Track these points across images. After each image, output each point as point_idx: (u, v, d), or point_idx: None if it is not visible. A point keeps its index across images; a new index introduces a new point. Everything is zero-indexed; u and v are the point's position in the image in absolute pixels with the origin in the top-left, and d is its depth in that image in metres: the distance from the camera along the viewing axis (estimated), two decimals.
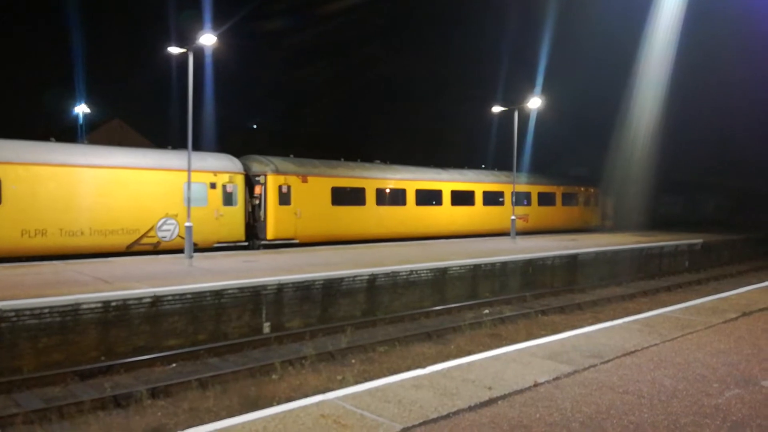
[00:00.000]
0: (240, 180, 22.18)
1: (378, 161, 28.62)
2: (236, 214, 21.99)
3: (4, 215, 17.14)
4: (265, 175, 22.83)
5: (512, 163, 28.69)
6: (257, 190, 22.99)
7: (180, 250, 19.30)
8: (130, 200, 19.21)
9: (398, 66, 67.65)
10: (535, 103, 28.55)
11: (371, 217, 26.14)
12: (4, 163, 17.24)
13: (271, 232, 22.72)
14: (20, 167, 17.50)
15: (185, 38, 18.23)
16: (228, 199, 21.77)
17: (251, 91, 73.43)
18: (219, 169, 21.68)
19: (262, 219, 22.78)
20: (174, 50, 18.11)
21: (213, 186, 21.33)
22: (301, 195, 23.55)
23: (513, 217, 27.86)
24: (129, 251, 19.10)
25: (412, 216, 27.81)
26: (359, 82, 67.48)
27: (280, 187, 22.97)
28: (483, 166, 35.60)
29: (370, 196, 26.20)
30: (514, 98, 29.64)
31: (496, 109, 29.46)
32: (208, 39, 17.64)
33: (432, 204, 28.80)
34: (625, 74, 38.06)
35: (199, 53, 18.70)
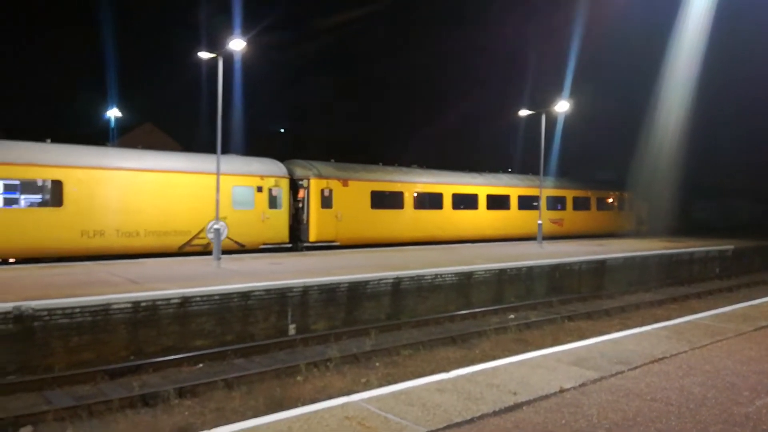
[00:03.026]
0: (285, 184, 22.84)
1: (415, 165, 28.92)
2: (281, 217, 22.62)
3: (65, 217, 17.96)
4: (308, 179, 23.44)
5: (539, 166, 28.49)
6: (300, 193, 23.60)
7: (228, 252, 20.11)
8: (181, 203, 19.88)
9: (424, 70, 67.71)
10: (562, 106, 28.29)
11: (409, 220, 26.58)
12: (65, 167, 18.10)
13: (313, 235, 23.29)
14: (80, 171, 18.30)
15: (215, 43, 18.50)
16: (273, 202, 22.42)
17: (276, 95, 74.08)
18: (265, 173, 22.36)
19: (305, 221, 23.39)
20: (204, 55, 18.36)
21: (260, 189, 22.01)
22: (342, 199, 24.08)
23: (540, 222, 27.67)
24: (181, 252, 19.76)
25: (448, 219, 28.13)
26: (382, 86, 67.64)
27: (322, 191, 23.57)
28: (510, 169, 35.44)
29: (408, 200, 26.65)
30: (541, 102, 29.42)
31: (523, 112, 29.27)
32: (237, 44, 17.85)
33: (468, 208, 29.05)
34: (652, 76, 37.62)
35: (228, 58, 18.95)
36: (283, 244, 22.60)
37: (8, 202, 18.64)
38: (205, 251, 20.02)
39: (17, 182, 18.35)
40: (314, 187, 23.45)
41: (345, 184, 24.32)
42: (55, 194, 18.13)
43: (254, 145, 39.89)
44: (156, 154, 20.93)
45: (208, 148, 22.35)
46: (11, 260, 17.43)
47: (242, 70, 39.22)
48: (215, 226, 17.94)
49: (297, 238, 23.35)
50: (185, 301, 12.13)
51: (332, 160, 25.59)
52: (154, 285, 12.89)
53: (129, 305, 11.47)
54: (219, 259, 17.64)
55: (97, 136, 39.70)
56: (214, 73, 18.25)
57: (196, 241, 20.10)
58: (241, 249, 21.30)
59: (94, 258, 18.17)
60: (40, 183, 18.52)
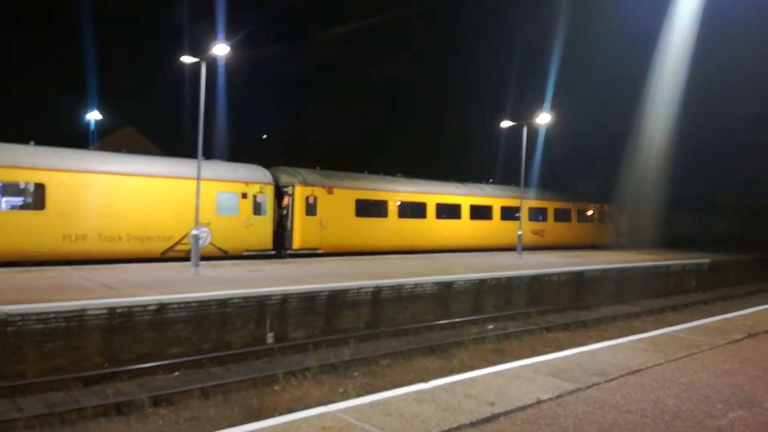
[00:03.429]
0: (270, 190, 22.84)
1: (400, 174, 29.08)
2: (265, 224, 22.62)
3: (47, 220, 17.80)
4: (293, 186, 23.50)
5: (520, 178, 28.73)
6: (285, 200, 23.63)
7: (211, 258, 20.17)
8: (165, 208, 19.84)
9: (407, 80, 67.90)
10: (543, 118, 28.56)
11: (393, 229, 26.75)
12: (48, 169, 17.96)
13: (297, 242, 23.31)
14: (63, 174, 18.20)
15: (198, 48, 18.43)
16: (258, 208, 22.46)
17: (260, 101, 73.86)
18: (250, 180, 22.35)
19: (289, 228, 23.39)
20: (187, 60, 18.28)
21: (244, 196, 22.01)
22: (327, 206, 24.16)
23: (519, 232, 27.87)
24: (163, 257, 19.67)
25: (432, 229, 28.37)
26: (368, 95, 67.76)
27: (307, 198, 23.64)
28: (491, 180, 35.71)
29: (392, 209, 26.85)
30: (523, 113, 29.70)
31: (505, 124, 29.50)
32: (220, 49, 17.79)
33: (452, 217, 29.30)
34: (636, 89, 38.10)
35: (211, 63, 18.88)
36: (266, 251, 22.56)
37: None
38: (189, 257, 19.75)
39: None
40: (299, 194, 23.47)
41: (330, 192, 24.38)
42: (37, 197, 17.99)
43: (239, 152, 39.73)
44: (140, 159, 20.87)
45: (191, 153, 22.29)
46: None
47: (226, 76, 39.06)
48: (193, 232, 17.80)
49: (281, 245, 23.33)
50: (162, 307, 12.00)
51: (317, 168, 25.62)
52: (130, 291, 12.74)
53: (104, 311, 11.31)
54: (197, 265, 17.49)
55: (77, 138, 39.34)
56: (198, 78, 18.18)
57: (179, 247, 19.97)
58: (224, 255, 21.22)
59: (76, 262, 17.99)
60: (22, 185, 18.32)
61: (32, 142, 18.64)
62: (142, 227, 19.42)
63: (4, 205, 18.46)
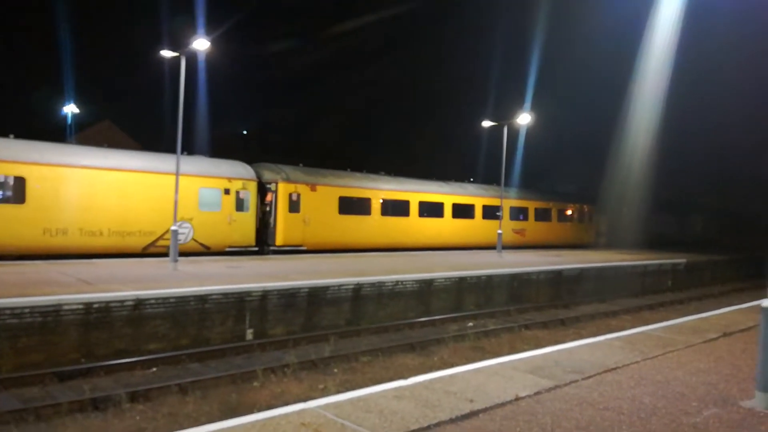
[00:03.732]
0: (253, 187, 22.80)
1: (383, 172, 29.15)
2: (248, 220, 22.57)
3: (27, 213, 17.65)
4: (276, 183, 23.48)
5: (501, 177, 28.90)
6: (268, 197, 23.58)
7: (193, 253, 20.11)
8: (146, 203, 19.68)
9: (388, 80, 67.91)
10: (524, 118, 28.73)
11: (376, 226, 26.85)
12: (29, 163, 17.80)
13: (280, 239, 23.30)
14: (44, 168, 18.04)
15: (178, 42, 18.23)
16: (240, 205, 22.38)
17: (239, 97, 73.42)
18: (233, 176, 22.28)
19: (272, 225, 23.39)
20: (166, 54, 18.07)
21: (227, 192, 21.93)
22: (310, 203, 24.18)
23: (499, 231, 28.06)
24: (145, 253, 19.52)
25: (414, 227, 28.54)
26: (349, 95, 67.70)
27: (290, 195, 23.65)
28: (471, 179, 35.89)
29: (375, 207, 26.95)
30: (505, 114, 29.88)
31: (486, 123, 29.63)
32: (201, 44, 17.62)
33: (434, 216, 29.49)
34: (620, 90, 38.45)
35: (192, 57, 18.70)
36: (249, 248, 22.53)
37: None
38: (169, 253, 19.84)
39: None
40: (282, 191, 23.46)
41: (313, 189, 24.39)
42: (17, 191, 17.77)
43: (218, 147, 39.46)
44: (122, 153, 20.68)
45: (170, 147, 22.09)
46: None
47: (206, 71, 38.73)
48: (172, 228, 17.66)
49: (264, 242, 23.34)
50: (139, 303, 11.88)
51: (301, 165, 25.60)
52: (107, 286, 12.59)
53: (81, 306, 11.17)
54: (176, 261, 17.34)
55: (54, 131, 38.77)
56: (178, 73, 18.00)
57: (160, 242, 19.82)
58: (207, 251, 21.11)
59: (56, 257, 17.83)
60: (1, 179, 18.03)
61: (12, 135, 18.41)
62: (123, 222, 19.27)
63: None
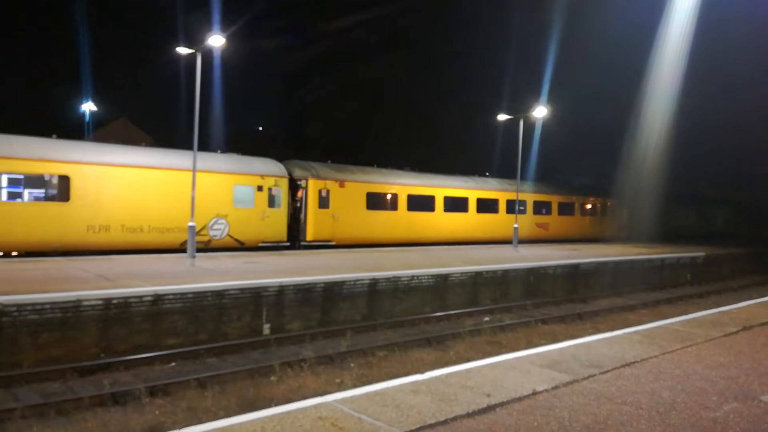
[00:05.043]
0: (284, 184, 23.26)
1: (408, 168, 29.42)
2: (280, 216, 23.04)
3: (71, 211, 18.20)
4: (307, 180, 23.95)
5: (517, 171, 28.77)
6: (299, 193, 24.04)
7: (229, 249, 20.71)
8: (185, 200, 19.72)
9: (403, 74, 67.82)
10: (540, 111, 28.53)
11: (402, 221, 27.19)
12: (72, 162, 18.36)
13: (310, 234, 23.78)
14: (87, 167, 18.58)
15: (194, 39, 18.32)
16: (272, 201, 22.83)
17: (255, 93, 73.63)
18: (265, 173, 22.74)
19: (302, 221, 23.90)
20: (182, 51, 18.17)
21: (260, 189, 22.39)
22: (339, 199, 24.61)
23: (516, 225, 27.98)
24: (183, 248, 19.79)
25: (440, 222, 28.78)
26: (365, 89, 67.64)
27: (319, 191, 24.09)
28: (487, 174, 35.77)
29: (402, 202, 27.26)
30: (521, 107, 29.73)
31: (502, 117, 29.47)
32: (216, 40, 17.68)
33: (459, 211, 29.76)
34: (635, 84, 38.06)
35: (207, 54, 18.80)
36: (281, 243, 23.00)
37: (13, 196, 18.57)
38: (207, 248, 20.36)
39: (22, 176, 18.26)
40: (312, 187, 23.90)
41: (342, 185, 24.83)
42: (62, 189, 18.27)
43: (235, 143, 39.64)
44: (161, 152, 21.17)
45: (186, 144, 22.26)
46: (14, 254, 17.55)
47: (222, 67, 38.89)
48: (189, 224, 17.83)
49: (294, 237, 23.75)
50: (158, 298, 11.98)
51: (329, 162, 26.01)
52: (126, 282, 12.72)
53: (100, 302, 11.29)
54: (194, 257, 17.48)
55: (72, 129, 39.17)
56: (193, 70, 18.09)
57: (197, 238, 20.10)
58: (241, 246, 21.64)
59: (99, 252, 18.43)
60: (47, 178, 18.54)
61: (54, 136, 19.01)
62: (163, 219, 19.79)
63: (28, 197, 18.75)
